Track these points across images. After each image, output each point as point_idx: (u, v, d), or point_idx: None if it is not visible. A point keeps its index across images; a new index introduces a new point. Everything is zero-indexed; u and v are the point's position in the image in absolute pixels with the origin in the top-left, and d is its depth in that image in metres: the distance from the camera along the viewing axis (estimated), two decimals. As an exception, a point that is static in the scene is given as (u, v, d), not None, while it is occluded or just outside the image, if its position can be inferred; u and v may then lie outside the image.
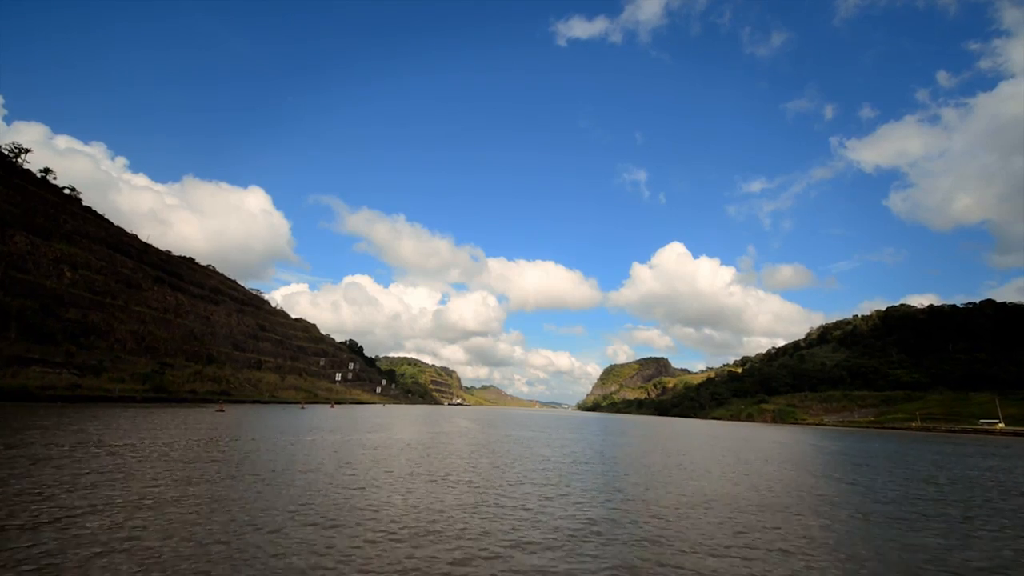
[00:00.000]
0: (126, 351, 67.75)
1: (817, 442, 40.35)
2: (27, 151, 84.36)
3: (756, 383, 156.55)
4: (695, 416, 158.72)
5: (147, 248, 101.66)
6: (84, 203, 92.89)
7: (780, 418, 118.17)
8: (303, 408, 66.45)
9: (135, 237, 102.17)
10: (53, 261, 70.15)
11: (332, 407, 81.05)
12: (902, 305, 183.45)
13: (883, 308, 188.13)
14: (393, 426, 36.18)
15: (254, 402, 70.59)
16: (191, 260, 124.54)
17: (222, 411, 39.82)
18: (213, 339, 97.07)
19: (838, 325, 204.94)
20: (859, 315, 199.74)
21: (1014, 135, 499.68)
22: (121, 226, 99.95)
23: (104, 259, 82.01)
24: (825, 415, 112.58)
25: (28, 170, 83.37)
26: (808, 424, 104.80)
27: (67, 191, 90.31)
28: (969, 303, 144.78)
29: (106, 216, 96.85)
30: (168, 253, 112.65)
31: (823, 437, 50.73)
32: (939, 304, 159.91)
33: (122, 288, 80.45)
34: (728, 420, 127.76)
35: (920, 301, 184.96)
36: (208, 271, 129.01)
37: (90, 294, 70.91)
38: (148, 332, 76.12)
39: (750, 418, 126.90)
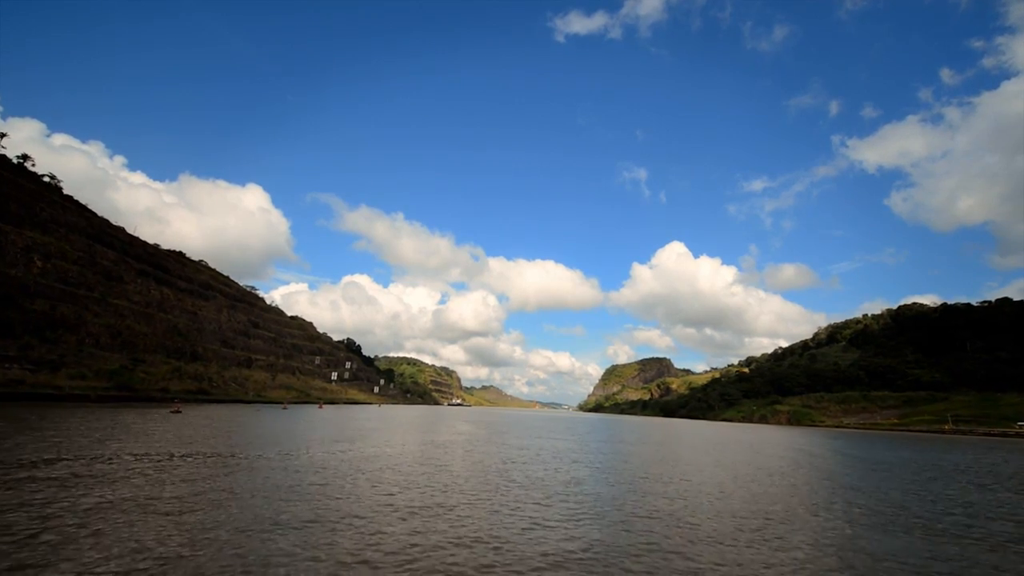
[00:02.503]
0: (98, 346, 62.90)
1: (877, 455, 35.24)
2: (2, 135, 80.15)
3: (767, 383, 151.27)
4: (704, 417, 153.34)
5: (133, 240, 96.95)
6: (65, 192, 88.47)
7: (796, 420, 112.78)
8: (285, 409, 61.39)
9: (121, 229, 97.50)
10: (23, 250, 65.53)
11: (320, 407, 75.95)
12: (914, 304, 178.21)
13: (886, 308, 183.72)
14: (379, 433, 31.16)
15: (235, 402, 65.50)
16: (181, 254, 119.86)
17: (178, 412, 34.72)
18: (199, 335, 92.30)
19: (847, 324, 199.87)
20: (868, 314, 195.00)
21: (1017, 135, 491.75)
22: (107, 218, 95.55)
23: (83, 250, 77.34)
24: (844, 417, 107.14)
25: (3, 156, 79.21)
26: (828, 427, 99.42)
27: (47, 179, 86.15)
28: (985, 302, 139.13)
29: (91, 208, 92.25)
30: (156, 246, 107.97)
31: (864, 444, 45.62)
32: (951, 303, 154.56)
33: (100, 280, 75.74)
34: (740, 422, 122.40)
35: (922, 302, 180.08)
36: (199, 266, 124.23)
37: (62, 285, 66.21)
38: (125, 326, 71.33)
39: (763, 419, 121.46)
